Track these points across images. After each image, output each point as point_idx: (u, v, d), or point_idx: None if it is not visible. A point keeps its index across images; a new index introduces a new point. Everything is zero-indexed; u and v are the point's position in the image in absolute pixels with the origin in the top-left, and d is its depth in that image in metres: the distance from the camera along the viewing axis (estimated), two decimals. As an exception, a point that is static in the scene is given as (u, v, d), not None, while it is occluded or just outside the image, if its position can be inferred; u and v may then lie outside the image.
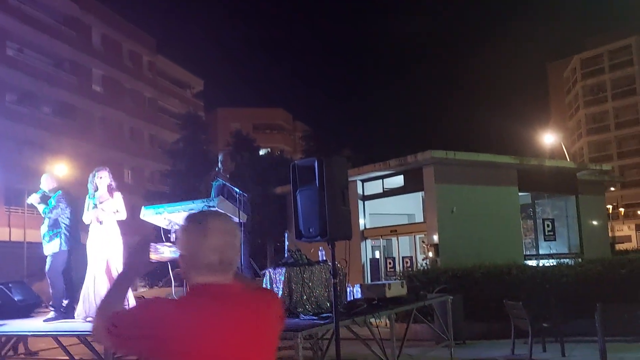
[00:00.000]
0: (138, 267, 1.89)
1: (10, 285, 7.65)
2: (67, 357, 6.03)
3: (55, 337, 6.08)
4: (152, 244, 1.93)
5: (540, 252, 17.49)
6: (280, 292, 5.94)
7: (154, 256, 1.94)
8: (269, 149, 40.36)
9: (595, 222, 20.58)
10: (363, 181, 17.05)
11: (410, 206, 17.78)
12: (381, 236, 17.15)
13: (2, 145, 27.80)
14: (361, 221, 16.83)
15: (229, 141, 33.52)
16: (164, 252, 2.04)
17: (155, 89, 43.71)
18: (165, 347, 1.61)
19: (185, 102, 46.85)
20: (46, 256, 6.88)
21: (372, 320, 6.07)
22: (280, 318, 1.89)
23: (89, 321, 6.40)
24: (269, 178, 23.69)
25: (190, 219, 1.79)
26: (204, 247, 1.72)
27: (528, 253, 17.11)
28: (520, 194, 16.77)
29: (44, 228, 6.96)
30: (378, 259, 17.11)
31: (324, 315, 5.68)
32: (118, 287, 1.87)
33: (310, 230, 5.27)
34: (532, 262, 13.78)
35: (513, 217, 16.26)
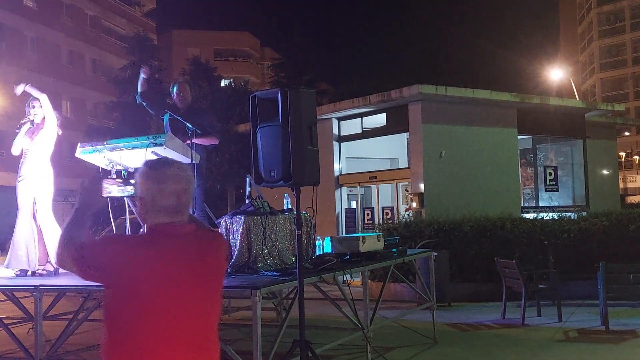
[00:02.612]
0: (91, 203, 2.40)
1: None
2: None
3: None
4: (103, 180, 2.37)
5: (540, 204, 17.73)
6: (238, 244, 5.87)
7: (104, 193, 2.45)
8: (232, 80, 39.66)
9: (604, 171, 20.87)
10: (339, 119, 16.92)
11: (393, 149, 17.76)
12: (359, 183, 17.17)
13: None
14: (336, 166, 16.79)
15: (186, 69, 32.97)
16: (112, 190, 3.18)
17: (98, 6, 42.46)
18: (121, 278, 2.14)
19: (135, 22, 45.63)
20: None
21: (347, 278, 6.06)
22: (226, 259, 2.47)
23: (19, 273, 6.34)
24: (230, 113, 23.41)
25: (149, 165, 2.31)
26: (162, 192, 2.24)
27: (526, 205, 17.32)
28: (519, 137, 16.83)
29: None
30: (355, 209, 17.17)
31: (288, 271, 5.66)
32: (75, 222, 2.31)
33: (272, 173, 5.16)
34: (530, 215, 13.93)
35: (511, 164, 16.37)
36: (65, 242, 2.22)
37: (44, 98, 6.80)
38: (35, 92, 6.81)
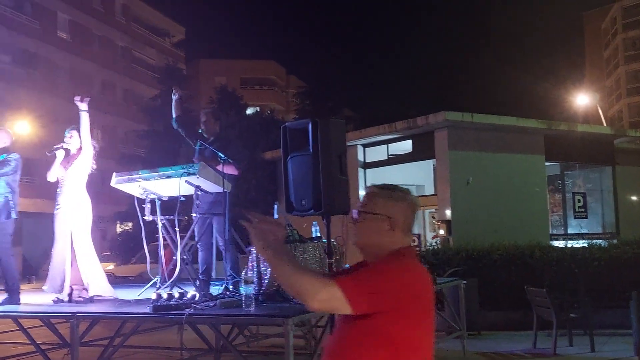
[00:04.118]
0: (279, 239, 2.25)
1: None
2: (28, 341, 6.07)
3: (16, 319, 6.09)
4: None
5: (569, 231, 17.52)
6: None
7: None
8: (258, 108, 40.16)
9: (634, 198, 20.56)
10: (365, 146, 16.97)
11: (419, 176, 17.73)
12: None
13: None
14: (361, 192, 16.81)
15: (213, 98, 33.38)
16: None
17: (129, 37, 43.28)
18: (404, 301, 2.17)
19: (164, 53, 46.44)
20: None
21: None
22: None
23: (56, 300, 6.44)
24: (257, 141, 23.61)
25: (392, 187, 2.41)
26: (412, 213, 2.36)
27: (555, 232, 17.13)
28: (547, 163, 16.71)
29: None
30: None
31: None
32: (288, 264, 2.18)
33: (303, 202, 5.21)
34: (559, 243, 13.79)
35: (538, 190, 16.23)
36: (313, 284, 2.14)
37: (85, 129, 6.89)
38: (84, 118, 6.88)
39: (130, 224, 30.78)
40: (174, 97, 7.67)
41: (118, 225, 33.46)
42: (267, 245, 2.21)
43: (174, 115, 7.65)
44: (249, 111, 33.78)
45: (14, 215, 6.81)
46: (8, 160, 6.86)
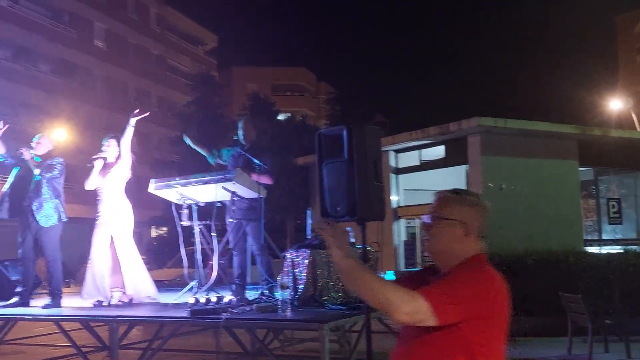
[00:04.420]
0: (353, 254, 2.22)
1: (6, 263, 7.77)
2: (69, 344, 6.16)
3: (57, 323, 6.20)
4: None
5: (604, 236, 17.23)
6: (304, 277, 5.93)
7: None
8: (290, 114, 40.22)
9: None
10: (397, 152, 16.92)
11: (452, 181, 17.56)
12: (417, 215, 17.05)
13: (-5, 107, 28.25)
14: (394, 198, 16.75)
15: (246, 104, 33.58)
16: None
17: (163, 46, 43.84)
18: (493, 308, 2.18)
19: (197, 61, 46.92)
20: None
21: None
22: None
23: (96, 304, 6.56)
24: (289, 147, 23.70)
25: (465, 192, 2.40)
26: (486, 218, 2.32)
27: (589, 238, 16.87)
28: (581, 169, 16.48)
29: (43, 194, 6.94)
30: (413, 241, 17.04)
31: (353, 305, 5.67)
32: (369, 276, 2.16)
33: (338, 208, 5.20)
34: (593, 249, 13.58)
35: (572, 196, 16.01)
36: (399, 297, 2.09)
37: (127, 142, 7.01)
38: (129, 132, 7.02)
39: (165, 229, 31.11)
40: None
41: (153, 230, 33.84)
42: (348, 255, 2.17)
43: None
44: (281, 117, 33.90)
45: (64, 218, 6.95)
46: (53, 164, 7.00)
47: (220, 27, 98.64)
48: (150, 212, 27.37)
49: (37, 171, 6.88)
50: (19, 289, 6.99)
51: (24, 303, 6.88)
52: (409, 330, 2.24)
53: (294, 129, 26.65)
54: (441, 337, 2.13)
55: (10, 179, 7.10)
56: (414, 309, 2.07)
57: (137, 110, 7.05)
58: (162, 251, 27.07)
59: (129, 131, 7.00)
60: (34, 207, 6.82)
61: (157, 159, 35.15)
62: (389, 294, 2.09)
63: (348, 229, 6.83)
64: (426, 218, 2.35)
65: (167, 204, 7.17)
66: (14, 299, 6.92)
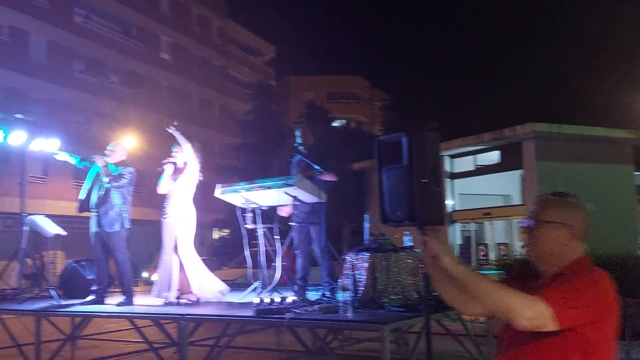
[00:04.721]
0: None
1: (83, 263, 8.01)
2: (138, 340, 6.32)
3: (131, 319, 6.35)
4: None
5: (660, 241, 16.62)
6: (364, 280, 5.92)
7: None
8: (345, 121, 40.25)
9: None
10: (452, 157, 16.73)
11: (507, 186, 17.31)
12: (472, 220, 16.81)
13: (70, 117, 29.25)
14: (449, 202, 16.56)
15: (302, 112, 33.79)
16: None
17: (224, 57, 44.55)
18: (609, 312, 2.12)
19: (256, 71, 47.53)
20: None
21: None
22: None
23: (166, 303, 6.71)
24: (345, 153, 23.71)
25: (566, 194, 2.34)
26: (588, 220, 2.29)
27: (645, 242, 16.29)
28: (636, 173, 15.95)
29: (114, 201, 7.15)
30: (468, 245, 16.80)
31: (412, 306, 5.63)
32: (483, 279, 2.13)
33: (398, 213, 5.15)
34: (649, 253, 13.10)
35: (628, 201, 15.50)
36: (520, 302, 2.05)
37: (187, 146, 7.17)
38: (180, 138, 7.19)
39: (226, 231, 31.54)
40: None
41: (215, 232, 34.35)
42: (458, 261, 2.15)
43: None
44: (336, 124, 33.96)
45: (126, 225, 7.12)
46: (123, 173, 7.19)
47: (277, 38, 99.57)
48: (213, 215, 27.81)
49: (106, 179, 7.08)
50: (94, 288, 7.21)
51: (100, 301, 7.09)
52: (515, 334, 2.15)
53: (349, 135, 26.65)
54: (556, 341, 2.07)
55: (86, 184, 7.32)
56: (535, 314, 2.02)
57: (175, 123, 7.17)
58: (223, 252, 27.46)
59: (179, 138, 7.14)
60: (100, 213, 7.03)
61: (219, 164, 35.71)
62: (509, 300, 2.04)
63: (406, 232, 6.83)
64: (527, 222, 2.28)
65: (229, 207, 7.27)
66: (90, 297, 7.14)
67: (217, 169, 32.00)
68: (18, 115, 8.11)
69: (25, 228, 7.80)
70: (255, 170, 26.47)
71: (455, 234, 16.76)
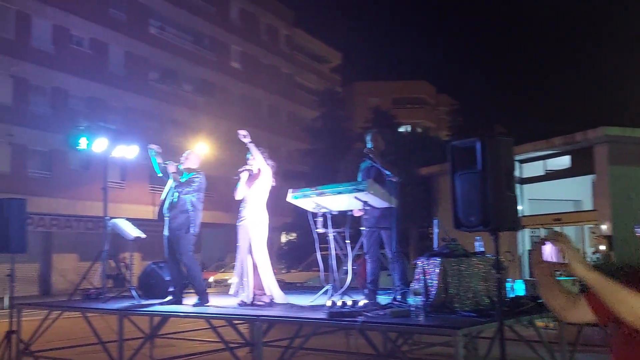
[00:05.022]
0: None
1: (161, 265, 8.24)
2: (211, 339, 6.45)
3: (207, 319, 6.49)
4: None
5: None
6: (435, 284, 5.85)
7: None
8: (410, 126, 39.96)
9: None
10: (520, 162, 16.33)
11: (578, 191, 16.78)
12: (542, 225, 16.35)
13: (147, 124, 30.20)
14: (518, 207, 16.16)
15: (368, 117, 33.72)
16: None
17: (292, 65, 45.02)
18: None
19: (323, 78, 47.79)
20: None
21: (544, 321, 5.82)
22: None
23: (241, 304, 6.84)
24: (412, 158, 23.50)
25: None
26: None
27: None
28: None
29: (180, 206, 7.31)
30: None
31: (484, 312, 5.53)
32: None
33: (471, 218, 5.10)
34: None
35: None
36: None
37: (259, 154, 7.28)
38: (252, 147, 7.30)
39: (294, 234, 31.79)
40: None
41: (283, 235, 34.67)
42: (591, 269, 2.10)
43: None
44: (401, 129, 33.74)
45: (192, 231, 7.27)
46: (192, 179, 7.35)
47: (344, 45, 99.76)
48: (281, 219, 28.10)
49: (175, 184, 7.28)
50: (171, 289, 7.41)
51: (177, 301, 7.28)
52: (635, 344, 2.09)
53: (416, 140, 26.42)
54: None
55: (166, 190, 7.54)
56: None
57: (244, 133, 7.25)
58: (291, 256, 27.68)
59: (251, 147, 7.25)
60: (170, 217, 7.23)
61: (287, 169, 36.11)
62: None
63: (477, 238, 6.71)
64: None
65: (297, 211, 7.34)
66: (169, 298, 7.34)
67: (285, 174, 32.32)
68: (101, 124, 8.44)
69: (108, 231, 8.09)
70: (322, 175, 26.58)
71: (524, 239, 16.35)
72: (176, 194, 7.29)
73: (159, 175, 7.62)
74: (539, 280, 2.30)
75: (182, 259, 7.26)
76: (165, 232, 7.35)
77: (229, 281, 9.40)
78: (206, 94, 36.81)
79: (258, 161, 7.27)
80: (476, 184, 5.02)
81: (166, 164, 7.48)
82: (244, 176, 7.24)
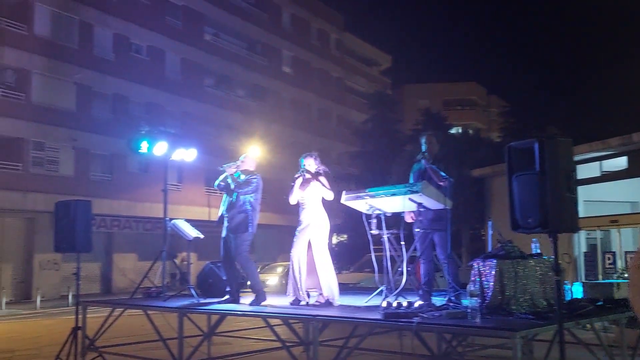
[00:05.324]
0: None
1: (219, 264, 8.35)
2: (266, 338, 6.48)
3: (264, 318, 6.54)
4: None
5: None
6: (491, 286, 5.75)
7: None
8: (461, 128, 39.41)
9: None
10: (576, 163, 15.87)
11: (635, 193, 16.20)
12: (598, 227, 15.83)
13: (202, 129, 30.72)
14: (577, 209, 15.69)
15: (418, 120, 33.42)
16: None
17: (342, 68, 45.04)
18: None
19: (372, 81, 47.66)
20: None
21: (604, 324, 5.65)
22: None
23: (294, 303, 6.87)
24: (464, 159, 23.18)
25: None
26: None
27: None
28: None
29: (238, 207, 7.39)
30: (594, 253, 15.85)
31: (541, 314, 5.40)
32: None
33: (529, 220, 4.99)
34: None
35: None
36: None
37: (310, 159, 7.32)
38: (310, 161, 7.33)
39: (345, 236, 31.77)
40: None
41: (334, 237, 34.72)
42: None
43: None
44: (452, 131, 33.31)
45: (249, 230, 7.35)
46: (250, 180, 7.44)
47: (393, 47, 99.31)
48: (332, 220, 28.13)
49: (233, 186, 7.37)
50: (229, 288, 7.50)
51: (234, 300, 7.37)
52: None
53: (467, 142, 26.05)
54: None
55: (224, 202, 7.65)
56: None
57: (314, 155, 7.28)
58: (342, 257, 27.65)
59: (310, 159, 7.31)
60: (229, 217, 7.33)
61: (337, 172, 36.14)
62: None
63: (534, 240, 6.56)
64: None
65: (348, 213, 7.32)
66: (226, 297, 7.43)
67: (336, 176, 32.34)
68: (161, 128, 8.62)
69: (168, 231, 8.24)
70: (372, 177, 26.50)
71: (580, 241, 15.88)
72: (235, 195, 7.37)
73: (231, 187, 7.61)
74: (632, 283, 2.21)
75: (237, 258, 7.34)
76: (224, 232, 7.44)
77: (267, 282, 9.46)
78: (258, 99, 37.18)
79: (312, 166, 7.31)
80: (534, 185, 4.92)
81: (224, 167, 7.58)
82: (298, 181, 7.29)
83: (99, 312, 9.07)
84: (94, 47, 28.32)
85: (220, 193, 7.72)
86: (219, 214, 7.60)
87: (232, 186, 7.40)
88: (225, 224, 7.43)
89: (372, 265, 7.50)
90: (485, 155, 22.69)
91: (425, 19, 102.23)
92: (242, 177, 7.52)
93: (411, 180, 7.18)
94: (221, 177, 7.58)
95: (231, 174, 7.48)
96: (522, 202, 5.04)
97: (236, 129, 33.53)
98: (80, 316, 7.99)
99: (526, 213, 5.00)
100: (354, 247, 27.40)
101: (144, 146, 8.12)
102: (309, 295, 7.05)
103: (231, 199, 7.46)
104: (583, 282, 6.53)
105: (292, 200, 7.23)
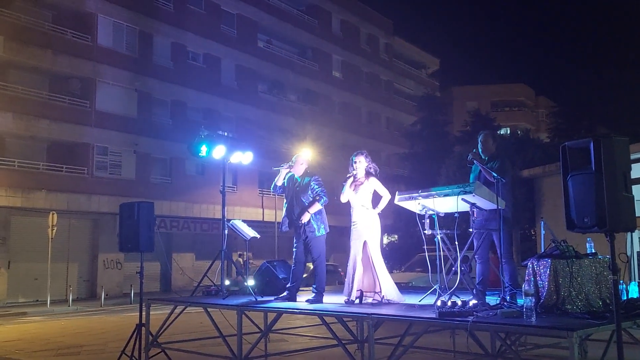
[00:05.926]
0: None
1: (275, 263, 8.41)
2: (321, 336, 6.49)
3: (320, 316, 6.56)
4: None
5: None
6: (546, 286, 5.63)
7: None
8: (509, 129, 38.60)
9: None
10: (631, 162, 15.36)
11: (691, 192, 15.56)
12: (653, 226, 15.30)
13: (257, 133, 31.09)
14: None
15: (467, 121, 32.96)
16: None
17: (391, 72, 44.84)
18: None
19: (421, 83, 47.30)
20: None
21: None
22: None
23: (347, 302, 6.87)
24: (513, 160, 22.70)
25: None
26: None
27: None
28: None
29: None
30: (647, 252, 15.31)
31: (597, 314, 5.25)
32: None
33: (585, 219, 4.87)
34: None
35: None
36: None
37: (361, 158, 7.30)
38: (361, 163, 7.33)
39: (395, 236, 31.59)
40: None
41: (385, 237, 34.58)
42: None
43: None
44: (501, 132, 32.72)
45: (323, 230, 7.34)
46: (319, 182, 7.37)
47: (441, 50, 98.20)
48: (383, 221, 28.02)
49: (298, 188, 7.36)
50: (288, 285, 7.52)
51: (291, 298, 7.39)
52: None
53: (516, 142, 25.49)
54: None
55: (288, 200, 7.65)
56: None
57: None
58: (393, 256, 27.51)
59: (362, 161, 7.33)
60: (302, 221, 7.27)
61: (387, 173, 35.99)
62: None
63: (588, 239, 6.38)
64: None
65: (398, 213, 7.27)
66: (285, 293, 7.47)
67: (385, 178, 32.20)
68: (219, 132, 8.75)
69: (226, 231, 8.34)
70: (421, 178, 26.28)
71: (632, 240, 15.36)
72: (301, 196, 7.34)
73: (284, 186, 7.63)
74: None
75: (313, 257, 7.29)
76: (298, 234, 7.38)
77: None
78: (310, 103, 37.38)
79: (363, 166, 7.31)
80: (590, 185, 4.79)
81: (279, 168, 7.60)
82: (349, 181, 7.28)
83: (159, 309, 9.25)
84: (154, 55, 29.01)
85: (274, 195, 7.73)
86: (283, 216, 7.57)
87: (298, 188, 7.37)
88: (298, 226, 7.31)
89: (422, 265, 7.45)
90: (534, 156, 22.19)
91: (473, 22, 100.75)
92: (306, 178, 7.48)
93: (471, 180, 7.08)
94: (281, 177, 7.56)
95: (295, 175, 7.46)
96: (578, 202, 4.91)
97: (288, 132, 33.81)
98: (144, 313, 8.17)
99: (582, 213, 4.88)
100: (404, 247, 27.23)
101: (203, 150, 8.24)
102: (362, 295, 7.02)
103: (296, 201, 7.38)
104: (639, 282, 6.30)
105: (343, 198, 7.22)
